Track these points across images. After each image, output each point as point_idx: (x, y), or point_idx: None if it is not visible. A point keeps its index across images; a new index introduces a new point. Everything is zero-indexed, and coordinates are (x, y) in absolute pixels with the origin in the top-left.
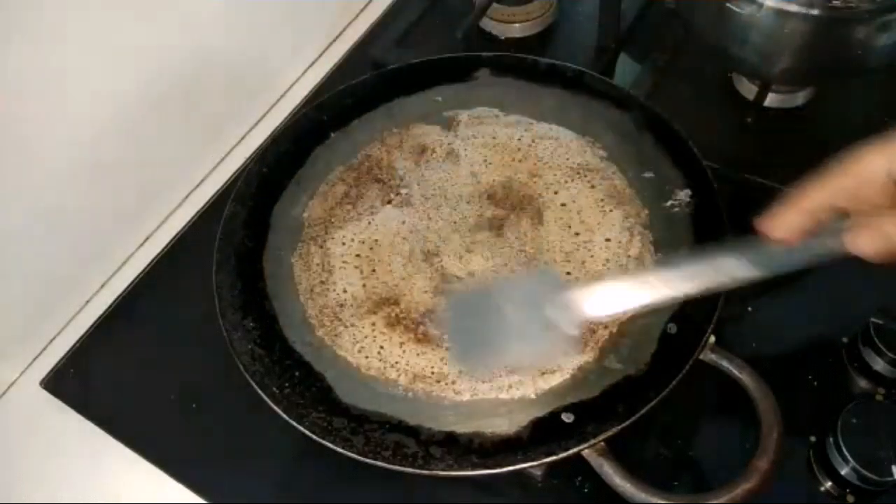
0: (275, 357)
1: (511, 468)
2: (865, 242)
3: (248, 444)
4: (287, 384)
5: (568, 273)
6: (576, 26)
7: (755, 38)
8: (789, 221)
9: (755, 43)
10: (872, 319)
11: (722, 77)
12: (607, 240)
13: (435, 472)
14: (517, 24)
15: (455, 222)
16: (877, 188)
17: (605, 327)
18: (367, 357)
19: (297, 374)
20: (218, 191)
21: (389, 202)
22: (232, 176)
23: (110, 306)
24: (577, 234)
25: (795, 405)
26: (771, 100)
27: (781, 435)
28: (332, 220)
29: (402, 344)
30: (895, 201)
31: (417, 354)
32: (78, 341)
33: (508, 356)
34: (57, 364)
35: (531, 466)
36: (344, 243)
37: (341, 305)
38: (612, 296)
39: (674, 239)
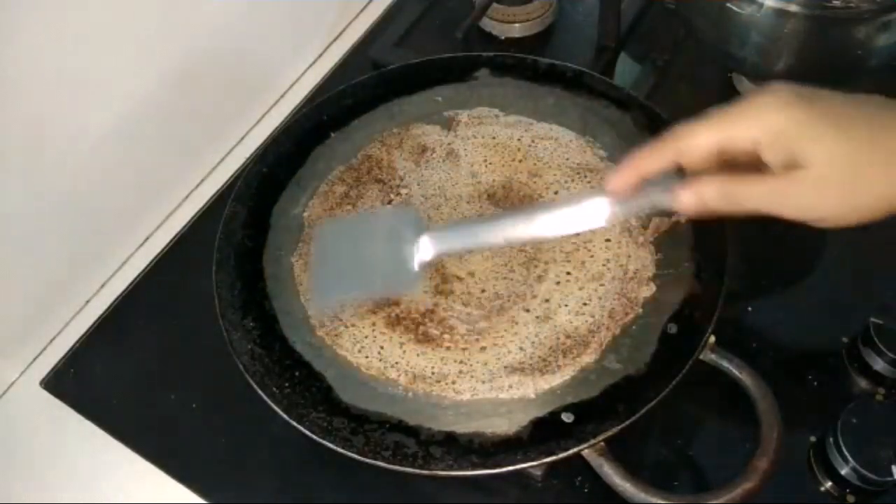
0: (275, 357)
1: (511, 468)
2: (685, 200)
3: (248, 444)
4: (287, 384)
5: (568, 273)
6: (576, 26)
7: (755, 38)
8: (623, 179)
9: (755, 43)
10: (872, 319)
11: (722, 77)
12: (607, 240)
13: (435, 472)
14: (517, 24)
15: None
16: (703, 158)
17: (607, 328)
18: (367, 357)
19: (297, 374)
20: (218, 191)
21: (389, 202)
22: (232, 176)
23: (110, 306)
24: (576, 234)
25: (795, 405)
26: None
27: (781, 435)
28: None
29: (402, 344)
30: (719, 167)
31: (417, 354)
32: (78, 341)
33: (360, 288)
34: (57, 364)
35: (531, 466)
36: None
37: (341, 306)
38: (458, 234)
39: (674, 239)
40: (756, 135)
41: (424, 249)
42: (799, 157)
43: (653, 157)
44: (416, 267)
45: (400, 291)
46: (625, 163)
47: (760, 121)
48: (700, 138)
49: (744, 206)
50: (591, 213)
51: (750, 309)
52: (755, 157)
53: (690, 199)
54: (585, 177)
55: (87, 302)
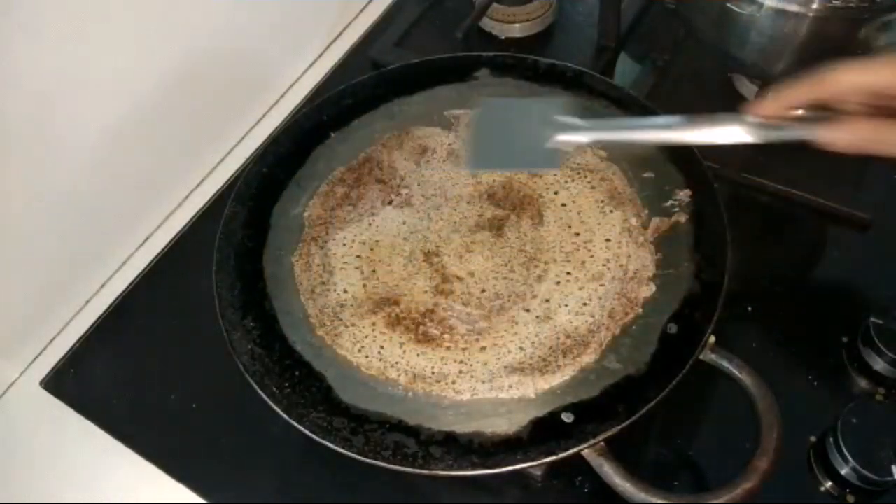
0: (275, 357)
1: (511, 468)
2: (839, 136)
3: (248, 444)
4: (287, 384)
5: (568, 273)
6: (576, 26)
7: (755, 38)
8: (771, 108)
9: (755, 43)
10: (872, 319)
11: (722, 77)
12: (607, 240)
13: (435, 472)
14: (517, 24)
15: (455, 222)
16: (852, 96)
17: (607, 328)
18: (367, 357)
19: (297, 374)
20: (218, 191)
21: (390, 203)
22: (232, 176)
23: (110, 306)
24: (577, 234)
25: (795, 405)
26: None
27: (781, 435)
28: (333, 220)
29: (402, 344)
30: (869, 111)
31: (417, 354)
32: (78, 341)
33: (508, 164)
34: (57, 364)
35: (531, 466)
36: (344, 244)
37: (342, 305)
38: (603, 125)
39: (674, 239)
40: None
41: (568, 135)
42: None
43: (802, 89)
44: (558, 149)
45: (542, 169)
46: (772, 94)
47: None
48: (853, 75)
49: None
50: (737, 129)
51: (750, 309)
52: None
53: (843, 136)
54: (585, 177)
55: (87, 302)
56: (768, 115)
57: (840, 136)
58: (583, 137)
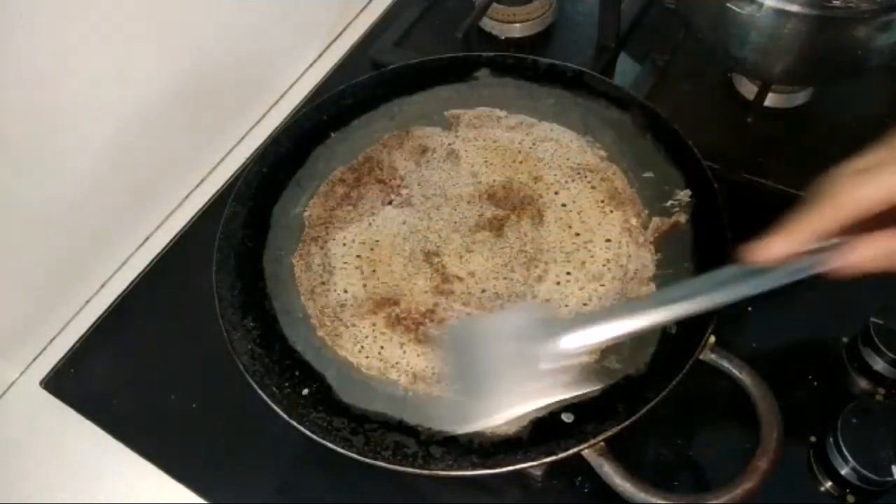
0: (275, 357)
1: (511, 468)
2: (865, 254)
3: (248, 444)
4: (287, 384)
5: (568, 273)
6: (576, 26)
7: (755, 38)
8: (781, 248)
9: (755, 43)
10: (872, 319)
11: (722, 77)
12: (608, 240)
13: (435, 472)
14: (517, 24)
15: (455, 222)
16: (866, 213)
17: None
18: (367, 357)
19: (297, 374)
20: (218, 191)
21: (390, 202)
22: (232, 176)
23: (110, 306)
24: (577, 234)
25: (795, 405)
26: (771, 100)
27: (781, 435)
28: (333, 220)
29: (402, 344)
30: (877, 224)
31: (418, 354)
32: (78, 341)
33: (498, 394)
34: (57, 364)
35: (531, 466)
36: (344, 244)
37: (342, 305)
38: (594, 330)
39: (674, 239)
40: None
41: (560, 350)
42: None
43: (818, 220)
44: (549, 366)
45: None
46: (780, 232)
47: None
48: (869, 190)
49: None
50: (730, 290)
51: (750, 309)
52: None
53: (866, 255)
54: (585, 177)
55: (87, 302)
56: (778, 259)
57: (863, 257)
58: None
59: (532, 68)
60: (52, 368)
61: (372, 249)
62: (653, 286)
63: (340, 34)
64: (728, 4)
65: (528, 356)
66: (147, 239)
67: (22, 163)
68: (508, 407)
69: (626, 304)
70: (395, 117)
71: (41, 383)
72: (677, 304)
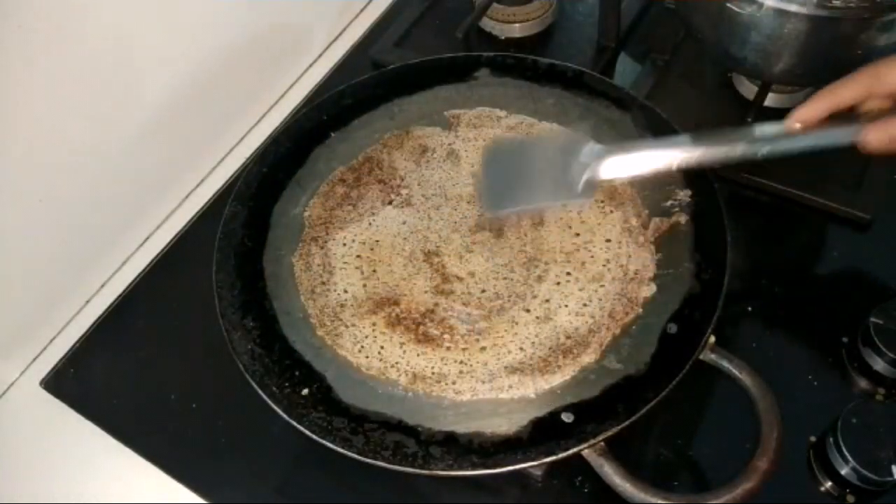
0: (275, 357)
1: (511, 468)
2: (874, 136)
3: (248, 444)
4: (287, 384)
5: (568, 273)
6: (576, 26)
7: (755, 38)
8: (815, 110)
9: (755, 43)
10: (872, 319)
11: (722, 77)
12: (607, 240)
13: (435, 472)
14: (517, 24)
15: (455, 222)
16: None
17: (607, 328)
18: (367, 357)
19: (297, 374)
20: (218, 191)
21: (390, 202)
22: (232, 176)
23: (110, 306)
24: (577, 234)
25: (795, 405)
26: (771, 100)
27: (781, 435)
28: (333, 220)
29: (402, 344)
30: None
31: (418, 354)
32: (78, 341)
33: (528, 199)
34: (57, 364)
35: (531, 466)
36: (345, 244)
37: (342, 305)
38: (630, 160)
39: (674, 239)
40: None
41: (594, 167)
42: None
43: (847, 87)
44: (582, 183)
45: (567, 202)
46: (818, 94)
47: None
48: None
49: None
50: (761, 141)
51: (750, 309)
52: None
53: (881, 136)
54: None
55: (87, 302)
56: (812, 120)
57: (877, 136)
58: (625, 169)
59: (532, 68)
60: (52, 368)
61: (372, 249)
62: (653, 286)
63: (340, 34)
64: (728, 4)
65: (562, 169)
66: (147, 239)
67: (21, 163)
68: (534, 201)
69: (663, 139)
70: (395, 117)
71: (41, 383)
72: (715, 147)
